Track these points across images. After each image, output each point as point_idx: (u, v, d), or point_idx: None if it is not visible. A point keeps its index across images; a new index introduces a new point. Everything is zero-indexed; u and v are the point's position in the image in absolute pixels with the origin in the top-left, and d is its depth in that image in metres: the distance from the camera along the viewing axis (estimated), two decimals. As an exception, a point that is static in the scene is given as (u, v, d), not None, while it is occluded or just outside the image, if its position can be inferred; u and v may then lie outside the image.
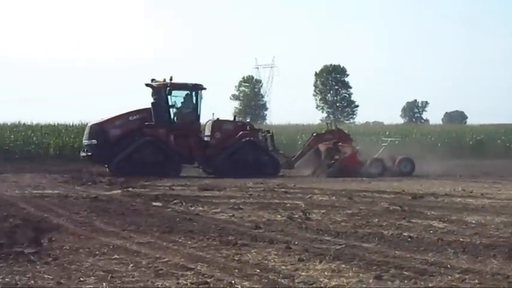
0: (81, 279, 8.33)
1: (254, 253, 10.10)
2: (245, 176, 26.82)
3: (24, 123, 49.36)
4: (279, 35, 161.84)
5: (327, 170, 30.28)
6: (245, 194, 19.54)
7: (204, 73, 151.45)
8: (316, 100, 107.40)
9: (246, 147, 30.32)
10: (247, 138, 30.52)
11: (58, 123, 50.07)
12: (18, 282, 8.13)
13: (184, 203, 16.92)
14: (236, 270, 8.72)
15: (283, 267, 9.10)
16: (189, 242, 11.04)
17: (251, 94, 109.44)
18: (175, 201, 17.25)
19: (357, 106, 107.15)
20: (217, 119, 31.29)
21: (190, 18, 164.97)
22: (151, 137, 29.67)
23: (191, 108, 30.94)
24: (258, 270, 8.76)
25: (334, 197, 18.61)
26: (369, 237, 11.64)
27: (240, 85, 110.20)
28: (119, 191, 20.44)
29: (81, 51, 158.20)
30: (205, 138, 30.94)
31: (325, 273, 8.77)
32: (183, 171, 30.08)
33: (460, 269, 8.87)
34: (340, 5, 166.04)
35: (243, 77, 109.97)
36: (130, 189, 21.24)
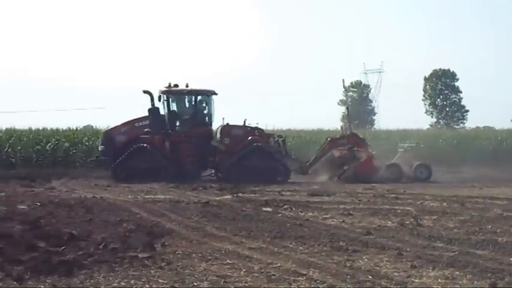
0: (194, 283, 8.42)
1: (366, 259, 10.02)
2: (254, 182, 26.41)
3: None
4: (387, 40, 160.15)
5: (342, 176, 29.67)
6: (355, 200, 19.39)
7: (313, 79, 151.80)
8: (425, 105, 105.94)
9: (254, 153, 29.75)
10: (255, 144, 29.97)
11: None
12: (134, 286, 8.27)
13: (294, 209, 16.91)
14: (348, 277, 8.66)
15: (395, 273, 9.00)
16: (300, 248, 11.03)
17: (359, 99, 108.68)
18: (285, 207, 17.25)
19: (467, 111, 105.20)
20: (227, 124, 30.84)
21: (299, 24, 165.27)
22: (146, 144, 29.78)
23: (189, 114, 31.04)
24: (370, 277, 8.68)
25: (445, 203, 18.27)
26: (482, 244, 11.40)
27: (347, 90, 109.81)
28: (229, 197, 20.55)
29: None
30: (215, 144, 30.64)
31: (439, 280, 8.64)
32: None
33: None
34: (451, 7, 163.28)
35: (351, 82, 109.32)
36: (240, 194, 21.35)
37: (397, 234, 12.61)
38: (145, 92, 30.64)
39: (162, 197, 20.49)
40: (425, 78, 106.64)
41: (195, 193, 22.42)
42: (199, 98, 31.29)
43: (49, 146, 39.74)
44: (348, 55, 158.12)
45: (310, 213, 16.08)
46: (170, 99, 30.95)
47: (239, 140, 30.26)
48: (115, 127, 31.15)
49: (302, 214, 15.98)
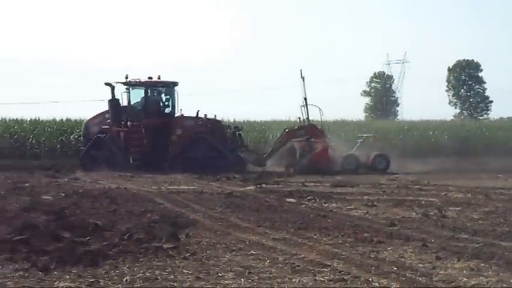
0: (219, 274, 8.42)
1: (390, 250, 9.99)
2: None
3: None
4: (410, 30, 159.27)
5: (297, 166, 29.67)
6: (378, 191, 19.35)
7: (336, 69, 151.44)
8: (448, 96, 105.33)
9: (197, 144, 30.13)
10: (198, 135, 30.35)
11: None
12: (158, 277, 8.29)
13: (317, 200, 16.88)
14: (373, 268, 8.64)
15: (420, 265, 8.96)
16: (324, 239, 11.01)
17: (382, 90, 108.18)
18: (308, 198, 17.23)
19: (491, 102, 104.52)
20: (181, 115, 31.25)
21: (323, 15, 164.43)
22: (106, 134, 30.69)
23: (144, 105, 31.40)
24: (395, 268, 8.65)
25: (469, 195, 18.17)
26: (507, 236, 11.34)
27: (371, 81, 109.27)
28: (253, 187, 20.58)
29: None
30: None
31: (464, 271, 8.59)
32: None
33: None
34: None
35: (374, 73, 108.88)
36: (263, 185, 21.35)
37: (422, 225, 12.56)
38: (106, 84, 31.31)
39: (186, 187, 20.56)
40: (449, 69, 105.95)
41: (218, 184, 22.49)
42: (158, 89, 32.10)
43: (73, 137, 40.02)
44: (371, 45, 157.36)
45: (334, 204, 16.05)
46: (129, 91, 31.60)
47: (190, 131, 30.65)
48: (91, 118, 32.52)
49: (326, 205, 15.96)
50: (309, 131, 31.29)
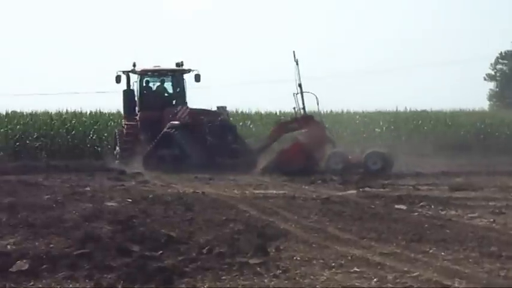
0: (316, 295, 8.43)
1: (523, 268, 9.84)
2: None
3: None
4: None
5: (264, 165, 29.63)
6: (507, 196, 19.04)
7: (455, 51, 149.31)
8: None
9: (165, 141, 31.72)
10: (167, 131, 31.79)
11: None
12: (244, 298, 8.35)
13: (433, 206, 16.73)
14: (503, 289, 8.53)
15: (561, 286, 8.81)
16: (442, 253, 10.91)
17: (510, 73, 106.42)
18: (422, 204, 17.08)
19: None
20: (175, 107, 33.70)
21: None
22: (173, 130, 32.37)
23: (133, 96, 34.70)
24: (529, 289, 8.53)
25: None
26: None
27: (496, 62, 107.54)
28: (354, 191, 20.52)
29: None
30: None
31: None
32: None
33: None
34: None
35: (500, 53, 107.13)
36: (367, 189, 21.28)
37: (561, 238, 12.34)
38: (124, 72, 34.65)
39: (275, 192, 20.63)
40: None
41: (312, 187, 22.50)
42: (164, 78, 35.61)
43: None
44: (496, 19, 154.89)
45: (453, 212, 15.89)
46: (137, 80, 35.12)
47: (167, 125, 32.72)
48: None
49: (443, 213, 15.80)
50: (302, 123, 31.28)
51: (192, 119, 32.09)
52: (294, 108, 31.80)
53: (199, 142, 31.43)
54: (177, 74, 35.08)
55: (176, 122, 32.04)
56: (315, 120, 31.37)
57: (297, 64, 31.21)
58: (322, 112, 32.75)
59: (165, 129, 31.86)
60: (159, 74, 35.35)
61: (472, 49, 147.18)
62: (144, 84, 34.88)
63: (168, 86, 35.71)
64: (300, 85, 30.90)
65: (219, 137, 31.67)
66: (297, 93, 31.03)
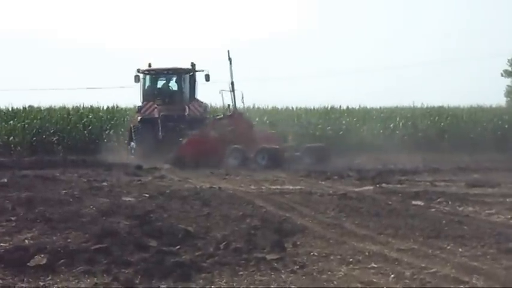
0: (334, 291, 8.43)
1: (541, 265, 9.81)
2: None
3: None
4: None
5: (166, 158, 30.75)
6: (525, 191, 19.00)
7: (472, 47, 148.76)
8: None
9: (130, 134, 36.25)
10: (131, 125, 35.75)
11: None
12: (262, 294, 8.34)
13: (450, 202, 16.68)
14: (521, 285, 8.51)
15: None
16: (460, 250, 10.88)
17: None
18: (439, 200, 17.03)
19: None
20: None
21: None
22: None
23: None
24: (549, 287, 8.51)
25: None
26: None
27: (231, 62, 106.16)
28: (371, 187, 20.48)
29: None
30: None
31: None
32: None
33: None
34: None
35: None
36: (384, 185, 21.24)
37: None
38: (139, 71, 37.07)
39: (291, 187, 20.61)
40: None
41: (329, 183, 22.47)
42: (166, 77, 37.81)
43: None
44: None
45: (471, 208, 15.84)
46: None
47: None
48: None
49: (460, 209, 15.76)
50: (232, 121, 32.22)
51: (151, 114, 35.07)
52: (229, 105, 33.15)
53: (154, 136, 34.34)
54: (181, 73, 36.79)
55: (138, 117, 35.10)
56: (244, 118, 32.85)
57: (231, 63, 32.82)
58: (246, 108, 34.73)
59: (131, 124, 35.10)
60: (166, 73, 37.68)
61: (490, 45, 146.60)
62: (149, 83, 37.14)
63: (173, 83, 38.02)
64: (232, 83, 32.04)
65: (171, 131, 34.05)
66: (230, 90, 32.33)
